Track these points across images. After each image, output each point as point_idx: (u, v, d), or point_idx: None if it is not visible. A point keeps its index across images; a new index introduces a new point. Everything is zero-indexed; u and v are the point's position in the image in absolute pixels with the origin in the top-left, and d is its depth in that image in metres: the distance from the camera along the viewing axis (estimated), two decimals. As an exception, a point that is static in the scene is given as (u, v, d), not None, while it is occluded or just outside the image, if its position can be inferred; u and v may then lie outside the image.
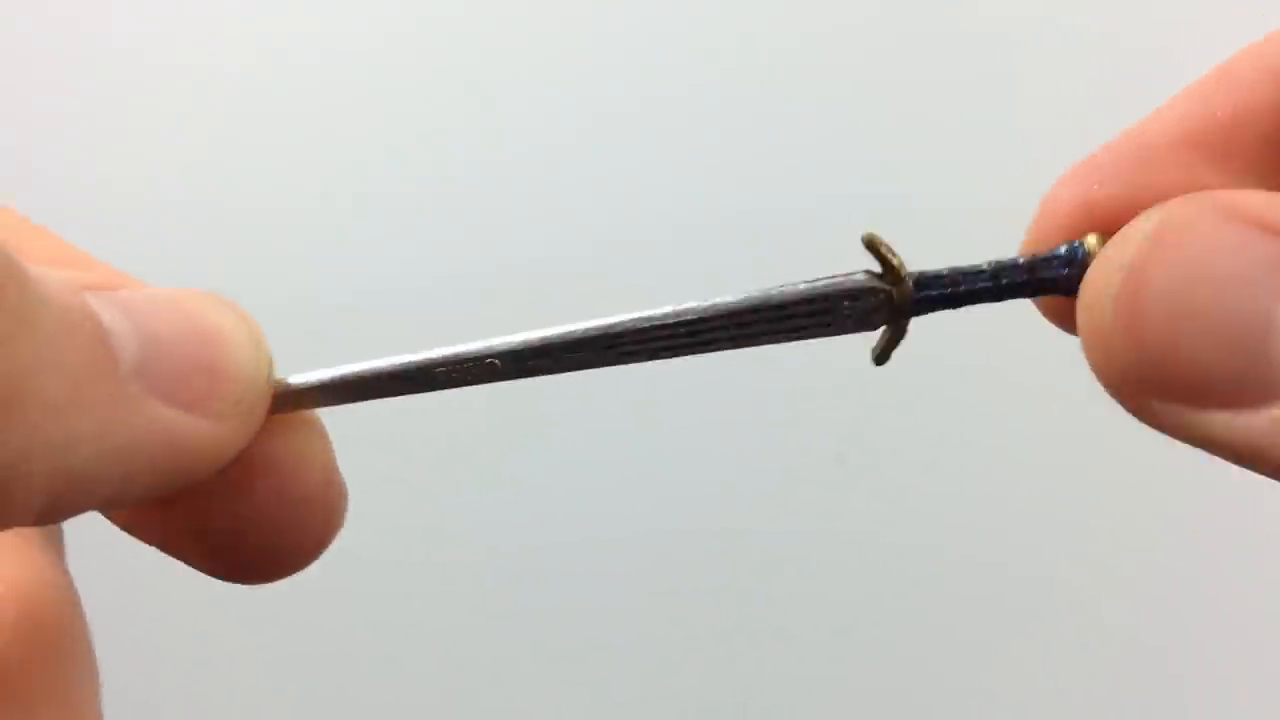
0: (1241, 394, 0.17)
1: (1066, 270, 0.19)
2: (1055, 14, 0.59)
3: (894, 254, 0.19)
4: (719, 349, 0.19)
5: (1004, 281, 0.19)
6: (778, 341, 0.19)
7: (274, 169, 0.61)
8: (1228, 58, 0.20)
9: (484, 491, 0.62)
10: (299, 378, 0.20)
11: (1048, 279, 0.19)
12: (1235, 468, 0.17)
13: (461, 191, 0.61)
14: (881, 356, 0.19)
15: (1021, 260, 0.19)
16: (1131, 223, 0.18)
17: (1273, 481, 0.17)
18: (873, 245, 0.19)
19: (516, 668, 0.63)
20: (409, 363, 0.20)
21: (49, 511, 0.17)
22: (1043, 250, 0.19)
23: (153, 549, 0.21)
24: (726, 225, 0.60)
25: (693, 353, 0.19)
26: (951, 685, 0.62)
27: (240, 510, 0.20)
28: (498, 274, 0.60)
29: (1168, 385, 0.17)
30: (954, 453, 0.61)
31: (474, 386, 0.21)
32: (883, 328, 0.19)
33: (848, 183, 0.60)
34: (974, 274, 0.19)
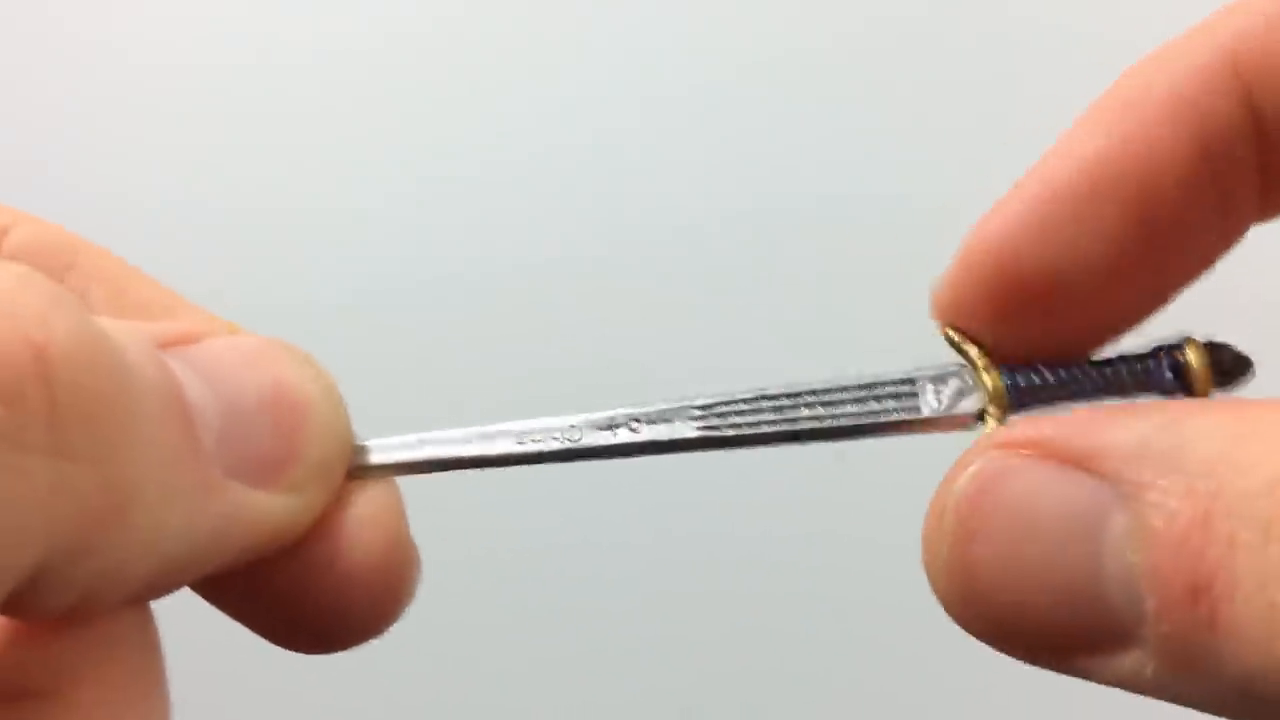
0: (1094, 644, 0.16)
1: (1171, 377, 0.19)
2: (1055, 14, 0.59)
3: (979, 345, 0.19)
4: (805, 435, 0.19)
5: (1097, 385, 0.19)
6: (866, 429, 0.19)
7: (273, 169, 0.61)
8: (1132, 69, 0.19)
9: (483, 491, 0.62)
10: (379, 453, 0.20)
11: (1147, 386, 0.19)
12: None
13: (463, 192, 0.61)
14: None
15: (1124, 369, 0.19)
16: (947, 478, 0.18)
17: None
18: (955, 341, 0.19)
19: (517, 668, 0.63)
20: (487, 431, 0.20)
21: (135, 600, 0.17)
22: (1141, 357, 0.19)
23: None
24: (727, 225, 0.60)
25: (777, 437, 0.19)
26: (951, 685, 0.62)
27: (303, 571, 0.20)
28: (498, 275, 0.60)
29: (1023, 646, 0.17)
30: (954, 452, 0.61)
31: (553, 463, 0.20)
32: (980, 426, 0.19)
33: (848, 183, 0.60)
34: (1071, 369, 0.19)
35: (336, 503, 0.20)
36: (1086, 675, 0.17)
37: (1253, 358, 0.19)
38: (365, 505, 0.20)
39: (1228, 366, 0.19)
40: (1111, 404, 0.19)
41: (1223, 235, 0.20)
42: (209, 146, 0.60)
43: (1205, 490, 0.15)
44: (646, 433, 0.19)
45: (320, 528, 0.20)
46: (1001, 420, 0.19)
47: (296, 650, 0.21)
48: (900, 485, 0.62)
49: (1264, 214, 0.20)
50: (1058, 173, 0.19)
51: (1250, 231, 0.20)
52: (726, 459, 0.62)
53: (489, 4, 0.60)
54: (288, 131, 0.61)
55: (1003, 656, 0.65)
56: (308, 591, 0.20)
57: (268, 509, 0.18)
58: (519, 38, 0.60)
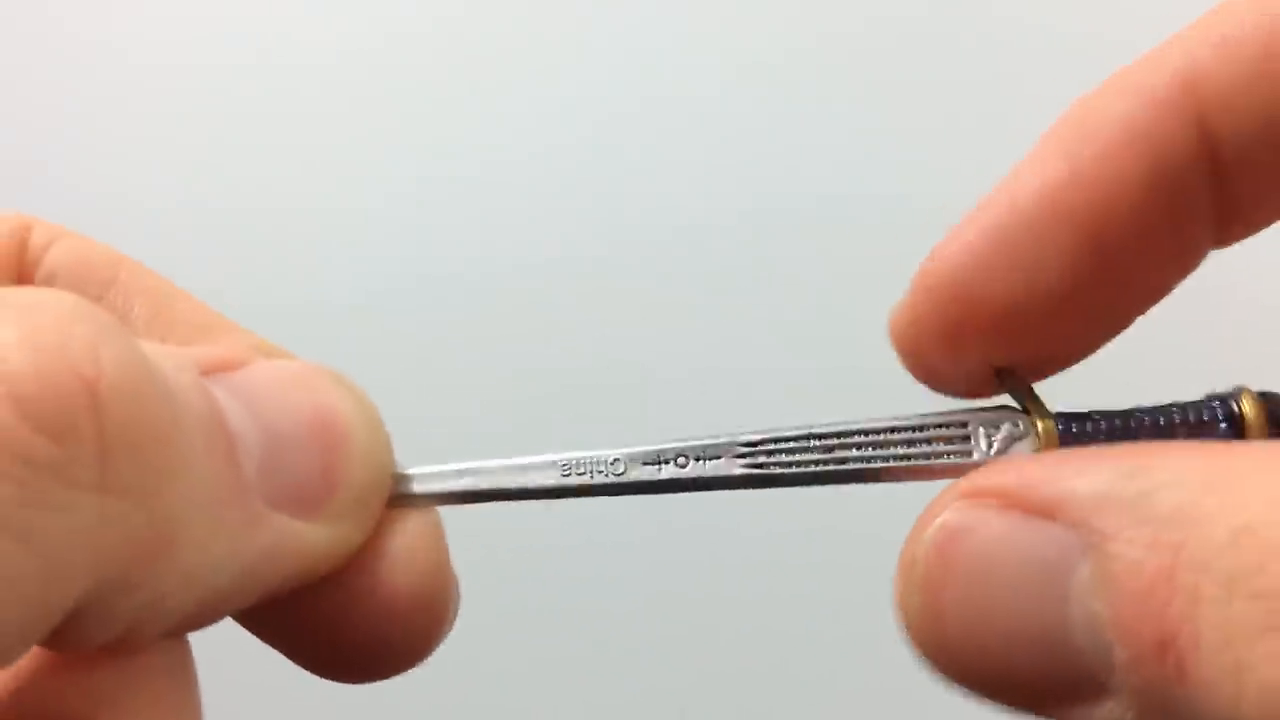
0: (1069, 695, 0.16)
1: (1225, 426, 0.19)
2: (1056, 14, 0.60)
3: (1033, 391, 0.19)
4: (853, 476, 0.19)
5: (1151, 432, 0.19)
6: (916, 471, 0.19)
7: (272, 169, 0.60)
8: (1086, 97, 0.19)
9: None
10: (420, 482, 0.20)
11: (1200, 434, 0.19)
12: None
13: (463, 193, 0.61)
14: None
15: (1175, 417, 0.19)
16: (917, 525, 0.17)
17: None
18: (1008, 384, 0.19)
19: (516, 668, 0.63)
20: (529, 463, 0.20)
21: (177, 631, 0.17)
22: (1193, 405, 0.19)
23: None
24: (726, 225, 0.60)
25: (826, 477, 0.19)
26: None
27: (342, 601, 0.19)
28: (497, 275, 0.60)
29: (998, 698, 0.17)
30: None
31: (595, 497, 0.20)
32: None
33: (848, 183, 0.60)
34: (1125, 417, 0.19)
35: (377, 532, 0.20)
36: None
37: None
38: (406, 535, 0.20)
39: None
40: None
41: (1179, 262, 0.20)
42: (208, 146, 0.60)
43: (1169, 541, 0.14)
44: (692, 469, 0.19)
45: (361, 557, 0.19)
46: None
47: (335, 679, 0.21)
48: (901, 484, 0.62)
49: (1220, 240, 0.20)
50: (1012, 200, 0.19)
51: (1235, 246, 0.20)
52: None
53: (490, 4, 0.60)
54: (287, 132, 0.60)
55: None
56: (347, 621, 0.20)
57: (309, 539, 0.18)
58: (520, 37, 0.60)
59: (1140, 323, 0.20)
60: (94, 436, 0.15)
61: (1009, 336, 0.19)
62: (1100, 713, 0.16)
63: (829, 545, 0.62)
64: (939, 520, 0.17)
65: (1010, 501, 0.16)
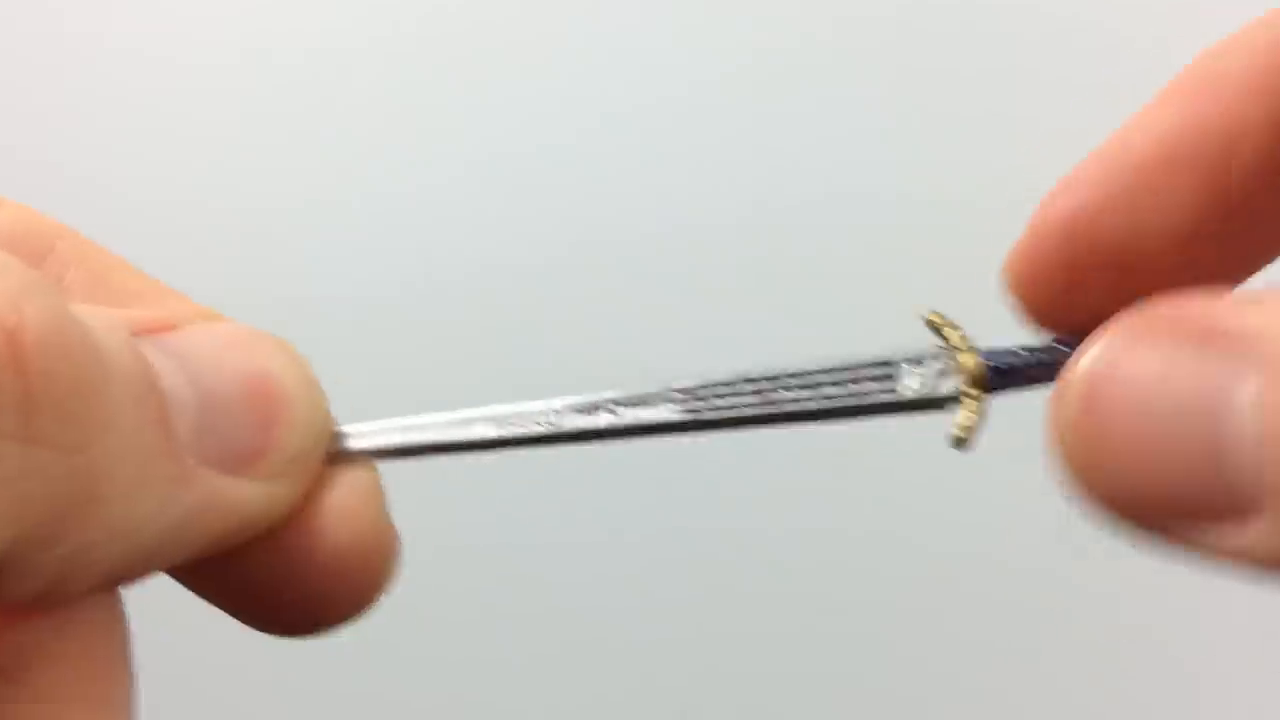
0: (1215, 517, 0.16)
1: None
2: (1055, 11, 0.59)
3: (958, 327, 0.19)
4: (786, 418, 0.19)
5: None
6: (846, 410, 0.19)
7: (270, 169, 0.61)
8: (1211, 49, 0.20)
9: (482, 489, 0.62)
10: (358, 439, 0.20)
11: None
12: None
13: (460, 192, 0.61)
14: (961, 438, 0.19)
15: None
16: (1076, 353, 0.18)
17: None
18: (935, 324, 0.19)
19: (515, 667, 0.63)
20: (465, 417, 0.20)
21: (100, 588, 0.17)
22: None
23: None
24: (726, 225, 0.60)
25: (759, 419, 0.19)
26: (951, 684, 0.62)
27: (281, 558, 0.20)
28: (496, 275, 0.60)
29: (1142, 519, 0.17)
30: (945, 445, 0.61)
31: (534, 448, 0.20)
32: (957, 407, 0.19)
33: (847, 183, 0.60)
34: (1045, 352, 0.19)
35: (315, 487, 0.20)
36: (1208, 552, 0.17)
37: None
38: (344, 489, 0.20)
39: None
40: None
41: None
42: (207, 146, 0.61)
43: None
44: (628, 416, 0.19)
45: (300, 513, 0.20)
46: (979, 401, 0.19)
47: (277, 634, 0.21)
48: (901, 481, 0.62)
49: None
50: (1134, 143, 0.19)
51: None
52: (727, 454, 0.62)
53: (490, 4, 0.60)
54: (284, 131, 0.61)
55: (1000, 655, 0.65)
56: (287, 577, 0.20)
57: (242, 497, 0.18)
58: (519, 37, 0.60)
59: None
60: (16, 385, 0.15)
61: (1127, 278, 0.19)
62: (1245, 536, 0.16)
63: (829, 545, 0.62)
64: (1098, 344, 0.17)
65: (1174, 327, 0.17)
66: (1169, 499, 0.17)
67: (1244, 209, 0.19)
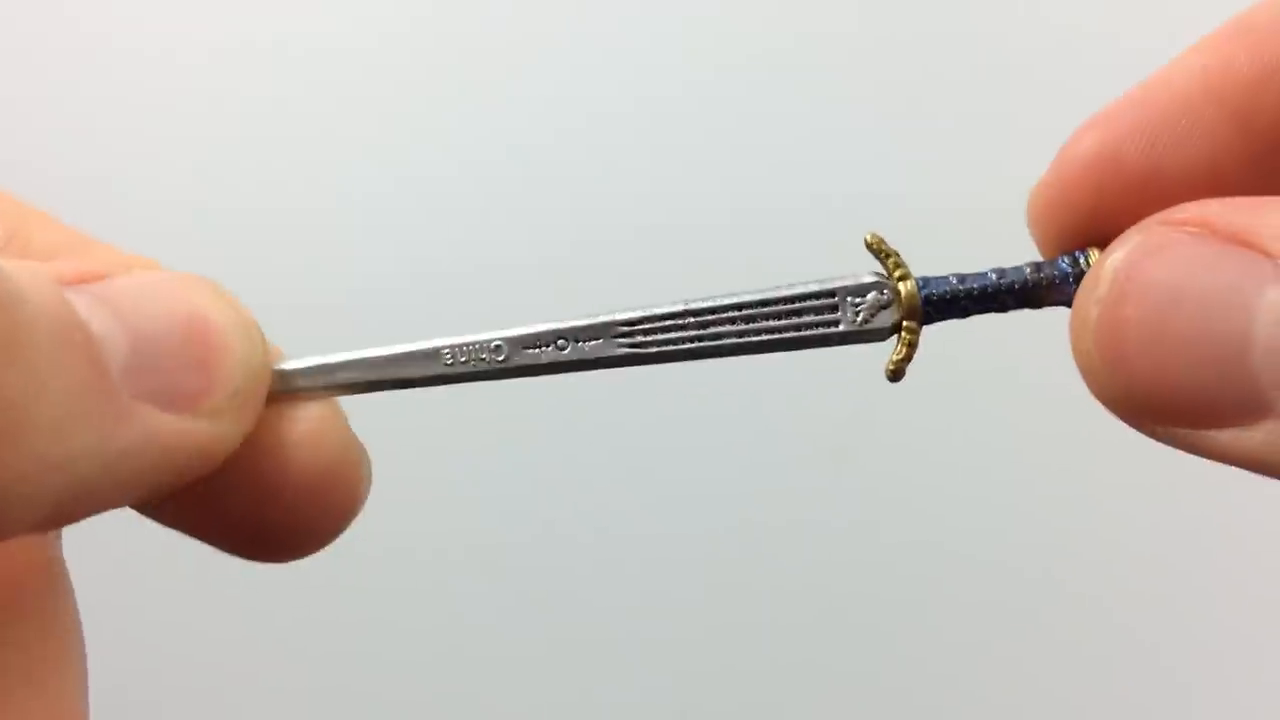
0: (1231, 413, 0.17)
1: (1071, 284, 0.19)
2: (1054, 12, 0.59)
3: (896, 254, 0.19)
4: (728, 350, 0.19)
5: (1007, 289, 0.19)
6: (788, 343, 0.19)
7: (269, 169, 0.61)
8: (1244, 7, 0.20)
9: (481, 488, 0.62)
10: (294, 363, 0.20)
11: (1052, 290, 0.19)
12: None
13: (456, 191, 0.61)
14: (896, 370, 0.20)
15: (1027, 270, 0.19)
16: (1105, 251, 0.18)
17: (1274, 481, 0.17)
18: (874, 247, 0.19)
19: (515, 667, 0.63)
20: (411, 350, 0.20)
21: (50, 522, 0.18)
22: (1046, 261, 0.19)
23: (147, 538, 0.21)
24: (725, 225, 0.60)
25: (702, 352, 0.19)
26: (951, 684, 0.62)
27: (252, 490, 0.20)
28: (493, 274, 0.61)
29: (1159, 412, 0.18)
30: (954, 448, 0.61)
31: (480, 382, 0.20)
32: (894, 339, 0.19)
33: (847, 183, 0.60)
34: (978, 278, 0.19)
35: (277, 422, 0.20)
36: (1215, 449, 0.17)
37: None
38: (305, 421, 0.20)
39: None
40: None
41: None
42: (205, 145, 0.61)
43: None
44: (573, 351, 0.20)
45: (260, 445, 0.20)
46: (916, 332, 0.19)
47: (252, 559, 0.21)
48: (900, 480, 0.62)
49: None
50: (1163, 82, 0.20)
51: None
52: (726, 454, 0.62)
53: (488, 3, 0.61)
54: (283, 130, 0.61)
55: (998, 654, 0.64)
56: (261, 504, 0.20)
57: (187, 434, 0.19)
58: (516, 37, 0.61)
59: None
60: None
61: (1150, 210, 0.19)
62: (1254, 435, 0.17)
63: (827, 541, 0.62)
64: (1135, 239, 0.18)
65: (1209, 229, 0.17)
66: (1191, 391, 0.17)
67: (1271, 153, 0.19)
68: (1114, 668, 0.60)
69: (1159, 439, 0.18)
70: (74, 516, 0.18)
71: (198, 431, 0.19)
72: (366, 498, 0.21)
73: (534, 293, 0.60)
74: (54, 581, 0.21)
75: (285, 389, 0.20)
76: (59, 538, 0.22)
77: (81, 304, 0.18)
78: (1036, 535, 0.60)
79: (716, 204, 0.60)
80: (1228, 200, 0.18)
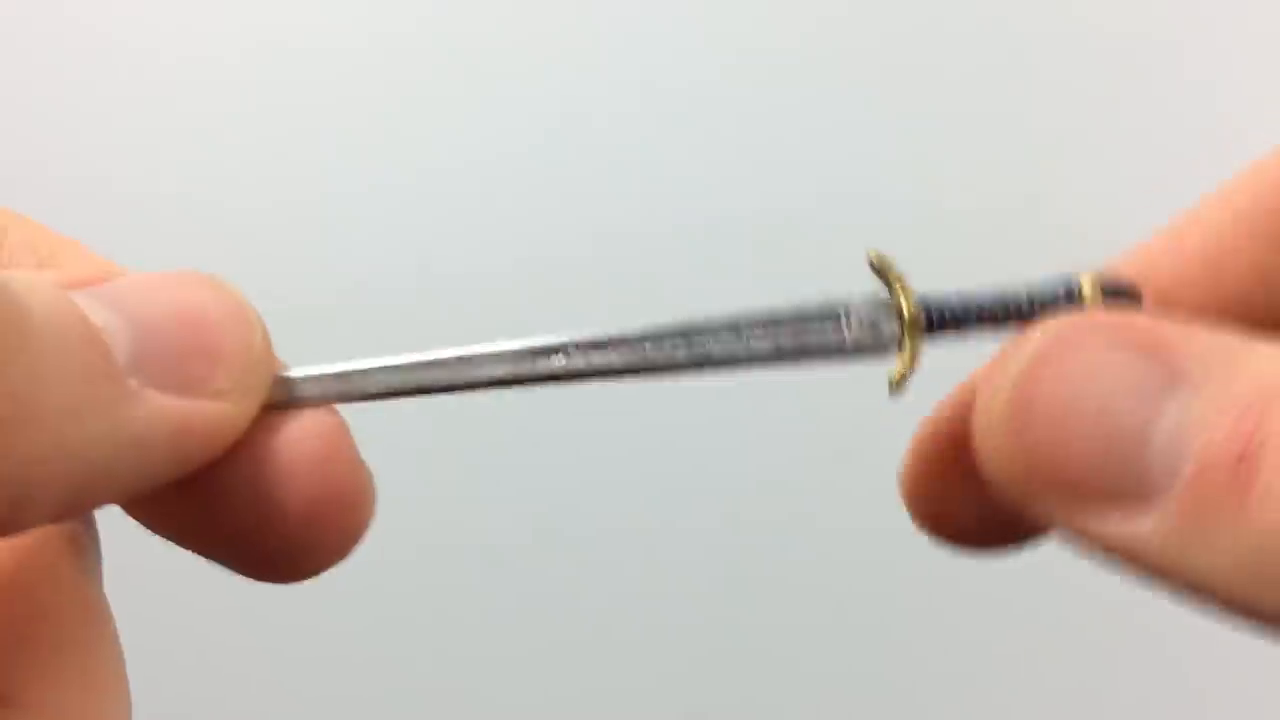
0: (1120, 498, 0.17)
1: (1065, 300, 0.20)
2: (1054, 12, 0.59)
3: (899, 273, 0.20)
4: (729, 365, 0.20)
5: (1007, 310, 0.20)
6: (789, 357, 0.19)
7: (267, 168, 0.61)
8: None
9: (481, 487, 0.63)
10: (307, 383, 0.20)
11: (1048, 312, 0.20)
12: None
13: (457, 193, 0.61)
14: (898, 383, 0.20)
15: (1025, 294, 0.20)
16: (1023, 336, 0.19)
17: None
18: (877, 265, 0.20)
19: (514, 666, 0.63)
20: (416, 361, 0.20)
21: (67, 510, 0.18)
22: (1042, 283, 0.20)
23: (148, 552, 0.21)
24: (724, 225, 0.60)
25: (696, 368, 0.20)
26: (951, 684, 0.62)
27: (257, 508, 0.20)
28: (492, 276, 0.61)
29: (1052, 486, 0.18)
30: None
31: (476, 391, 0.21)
32: (896, 354, 0.20)
33: (846, 183, 0.60)
34: (979, 298, 0.20)
35: (277, 426, 0.20)
36: (1099, 535, 0.18)
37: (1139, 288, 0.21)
38: (303, 429, 0.20)
39: (1112, 292, 0.20)
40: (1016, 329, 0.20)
41: None
42: (204, 145, 0.61)
43: (1273, 384, 0.16)
44: (579, 360, 0.20)
45: (258, 454, 0.20)
46: (915, 348, 0.20)
47: (258, 579, 0.21)
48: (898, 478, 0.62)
49: None
50: (1217, 215, 0.22)
51: None
52: (726, 453, 0.62)
53: (487, 3, 0.61)
54: (281, 130, 0.61)
55: (997, 653, 0.64)
56: (266, 525, 0.20)
57: (193, 412, 0.19)
58: (518, 38, 0.61)
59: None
60: None
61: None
62: (1141, 524, 0.17)
63: (828, 541, 0.62)
64: (1049, 331, 0.18)
65: (1116, 331, 0.18)
66: (1083, 478, 0.18)
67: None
68: (1114, 668, 0.61)
69: (1040, 518, 0.19)
70: (91, 503, 0.19)
71: (205, 412, 0.19)
72: (372, 519, 0.21)
73: (534, 294, 0.60)
74: (92, 621, 0.21)
75: (289, 399, 0.20)
76: (99, 577, 0.22)
77: (82, 301, 0.18)
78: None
79: (717, 204, 0.60)
80: (1130, 315, 0.19)
